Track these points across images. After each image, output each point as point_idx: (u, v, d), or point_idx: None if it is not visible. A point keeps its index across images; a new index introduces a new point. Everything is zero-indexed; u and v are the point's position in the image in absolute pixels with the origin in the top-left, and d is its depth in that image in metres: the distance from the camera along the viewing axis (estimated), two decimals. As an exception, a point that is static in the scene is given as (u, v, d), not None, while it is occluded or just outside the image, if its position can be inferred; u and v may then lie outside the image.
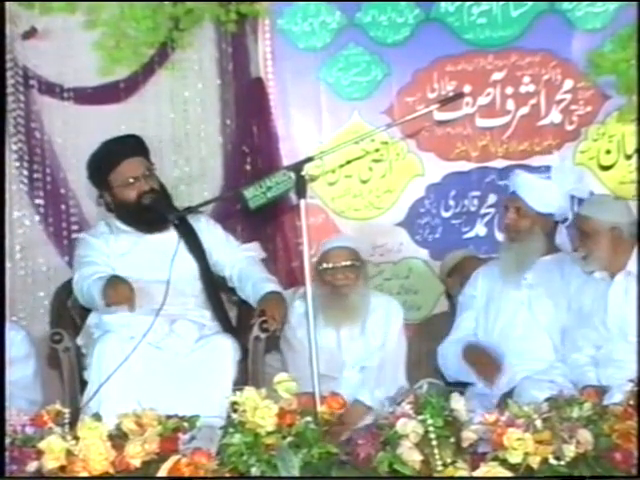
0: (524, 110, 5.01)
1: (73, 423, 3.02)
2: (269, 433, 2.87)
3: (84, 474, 2.88)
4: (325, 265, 4.17)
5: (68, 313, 4.13)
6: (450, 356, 4.08)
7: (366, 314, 4.20)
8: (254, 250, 4.30)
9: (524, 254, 4.05)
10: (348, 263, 4.17)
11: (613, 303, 3.88)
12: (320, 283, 4.13)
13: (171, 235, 4.01)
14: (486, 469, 2.86)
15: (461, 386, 4.00)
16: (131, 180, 3.98)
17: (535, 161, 4.97)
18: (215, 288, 4.11)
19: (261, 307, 3.91)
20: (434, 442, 2.86)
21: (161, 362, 3.73)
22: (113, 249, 4.02)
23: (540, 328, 4.03)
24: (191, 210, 4.07)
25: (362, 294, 4.20)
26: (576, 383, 3.82)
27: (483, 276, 4.20)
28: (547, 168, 4.93)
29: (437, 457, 2.86)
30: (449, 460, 2.87)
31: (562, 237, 4.20)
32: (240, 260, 4.14)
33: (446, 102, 3.86)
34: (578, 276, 4.06)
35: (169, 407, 3.13)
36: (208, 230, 4.14)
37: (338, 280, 4.15)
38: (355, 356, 4.17)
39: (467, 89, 4.95)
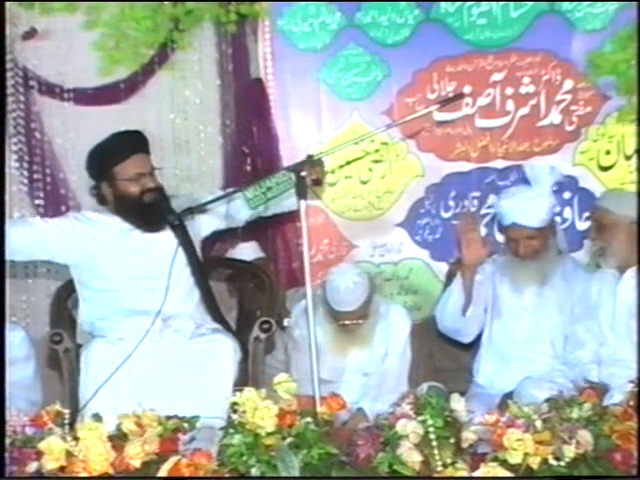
0: (524, 111, 5.01)
1: (73, 424, 3.02)
2: (269, 434, 2.87)
3: (84, 475, 2.88)
4: (338, 309, 4.04)
5: (68, 313, 4.13)
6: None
7: (374, 328, 4.19)
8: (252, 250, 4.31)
9: (545, 267, 4.04)
10: (361, 306, 4.07)
11: (621, 299, 3.86)
12: (331, 319, 4.08)
13: (166, 235, 4.00)
14: (486, 470, 2.86)
15: (461, 385, 4.03)
16: (137, 175, 3.97)
17: (535, 161, 4.96)
18: (208, 288, 4.10)
19: None
20: (434, 443, 2.86)
21: (158, 358, 3.72)
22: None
23: (542, 334, 4.04)
24: (191, 211, 4.06)
25: (372, 324, 4.15)
26: (577, 381, 3.83)
27: (490, 274, 4.18)
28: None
29: (437, 458, 2.86)
30: (449, 461, 2.87)
31: (561, 239, 4.21)
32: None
33: (446, 103, 3.86)
34: (581, 280, 4.06)
35: (169, 406, 3.13)
36: (201, 225, 4.13)
37: (350, 321, 4.10)
38: (359, 362, 4.16)
39: (467, 90, 4.96)
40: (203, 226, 4.12)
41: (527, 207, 3.97)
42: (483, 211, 4.98)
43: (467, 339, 4.15)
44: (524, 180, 4.17)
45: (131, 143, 4.01)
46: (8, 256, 3.72)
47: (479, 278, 4.06)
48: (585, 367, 3.87)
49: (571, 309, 4.01)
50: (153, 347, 3.73)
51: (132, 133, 4.07)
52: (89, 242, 3.94)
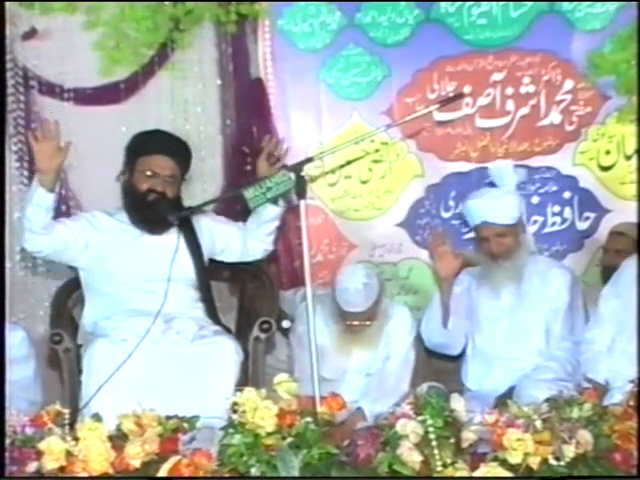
0: (524, 111, 5.01)
1: (73, 424, 3.02)
2: (269, 434, 2.87)
3: (84, 475, 2.88)
4: (347, 309, 4.05)
5: (68, 313, 4.13)
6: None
7: (381, 330, 4.18)
8: None
9: (518, 266, 4.06)
10: (370, 307, 4.08)
11: None
12: (337, 319, 4.10)
13: (171, 237, 4.00)
14: (486, 469, 2.86)
15: (460, 386, 4.04)
16: (150, 173, 3.96)
17: (535, 161, 4.97)
18: (210, 290, 4.10)
19: None
20: (434, 442, 2.86)
21: (160, 359, 3.72)
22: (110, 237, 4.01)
23: (523, 333, 4.05)
24: (191, 210, 4.07)
25: (379, 326, 4.15)
26: (580, 373, 3.84)
27: (468, 284, 4.19)
28: (547, 169, 4.98)
29: (437, 457, 2.86)
30: (449, 460, 2.87)
31: (530, 239, 4.23)
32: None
33: (446, 102, 3.86)
34: (556, 275, 4.08)
35: (170, 406, 3.13)
36: (209, 228, 4.13)
37: (358, 322, 4.10)
38: (363, 362, 4.16)
39: (467, 89, 4.95)
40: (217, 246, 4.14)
41: (495, 205, 4.02)
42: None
43: (455, 351, 4.18)
44: (490, 183, 4.21)
45: (165, 143, 4.05)
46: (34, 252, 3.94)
47: (457, 290, 4.11)
48: (594, 357, 3.84)
49: (549, 306, 4.04)
50: (155, 348, 3.74)
51: (174, 137, 4.14)
52: (98, 245, 3.95)
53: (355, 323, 4.08)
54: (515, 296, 4.08)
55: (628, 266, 3.94)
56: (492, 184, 4.17)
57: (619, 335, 3.84)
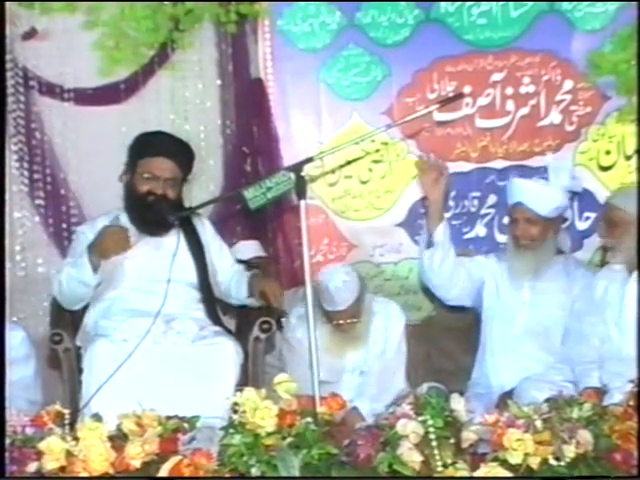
0: (524, 111, 5.01)
1: (73, 424, 3.02)
2: (269, 434, 2.87)
3: (84, 475, 2.88)
4: (329, 308, 4.09)
5: (68, 313, 4.13)
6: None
7: (368, 326, 4.18)
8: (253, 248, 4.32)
9: (539, 260, 4.08)
10: (353, 304, 4.10)
11: (629, 300, 3.84)
12: (325, 320, 4.11)
13: (172, 239, 4.01)
14: (486, 470, 2.86)
15: (459, 385, 4.04)
16: (149, 175, 3.97)
17: (535, 162, 4.96)
18: (211, 291, 4.10)
19: (260, 289, 3.94)
20: (434, 443, 2.86)
21: (160, 360, 3.73)
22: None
23: (539, 329, 4.05)
24: (191, 210, 4.07)
25: (366, 322, 4.17)
26: (577, 382, 3.82)
27: (490, 263, 4.21)
28: (546, 169, 4.96)
29: (437, 458, 2.86)
30: (449, 461, 2.86)
31: (563, 239, 4.22)
32: (232, 273, 4.16)
33: (446, 103, 3.86)
34: (583, 277, 4.09)
35: (171, 407, 3.12)
36: (210, 234, 4.14)
37: (343, 320, 4.12)
38: (356, 361, 4.17)
39: (467, 90, 4.95)
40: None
41: (536, 190, 4.04)
42: (483, 211, 4.98)
43: (443, 284, 4.17)
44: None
45: (166, 145, 4.04)
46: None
47: (478, 258, 4.19)
48: (586, 367, 3.85)
49: (571, 306, 4.03)
50: (156, 349, 3.74)
51: (177, 140, 4.14)
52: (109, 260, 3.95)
53: (341, 322, 4.09)
54: (538, 291, 4.08)
55: (598, 281, 3.96)
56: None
57: (606, 345, 3.85)
